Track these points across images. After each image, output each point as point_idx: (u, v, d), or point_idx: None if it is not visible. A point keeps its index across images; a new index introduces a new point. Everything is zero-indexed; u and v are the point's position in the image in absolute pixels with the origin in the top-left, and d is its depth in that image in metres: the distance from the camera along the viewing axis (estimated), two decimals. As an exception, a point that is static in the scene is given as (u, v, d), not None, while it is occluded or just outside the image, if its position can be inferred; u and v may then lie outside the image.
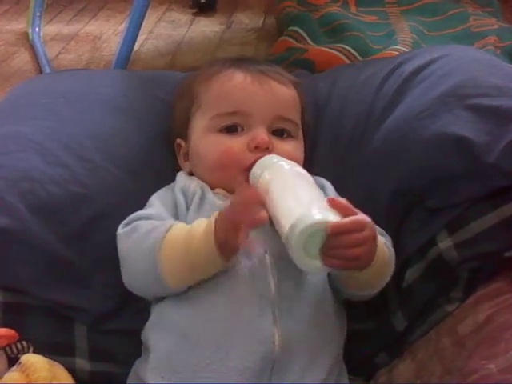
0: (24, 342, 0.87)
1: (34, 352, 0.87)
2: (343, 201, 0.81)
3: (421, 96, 1.02)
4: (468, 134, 0.93)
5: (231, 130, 0.96)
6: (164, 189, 0.98)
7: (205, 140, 0.98)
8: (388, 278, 0.90)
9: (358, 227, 0.80)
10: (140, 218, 0.92)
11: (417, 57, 1.14)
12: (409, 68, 1.10)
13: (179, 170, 1.03)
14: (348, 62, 1.70)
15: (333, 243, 0.78)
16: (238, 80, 0.99)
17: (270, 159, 0.92)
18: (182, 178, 0.99)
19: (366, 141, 1.04)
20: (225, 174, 0.95)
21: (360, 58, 1.71)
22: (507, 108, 0.95)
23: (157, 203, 0.94)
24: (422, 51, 1.21)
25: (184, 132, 1.02)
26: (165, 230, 0.86)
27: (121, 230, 0.92)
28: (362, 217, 0.81)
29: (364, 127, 1.07)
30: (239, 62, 1.04)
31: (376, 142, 1.03)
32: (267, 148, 0.94)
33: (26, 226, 0.94)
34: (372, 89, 1.11)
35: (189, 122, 1.01)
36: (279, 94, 0.99)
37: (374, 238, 0.83)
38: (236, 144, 0.95)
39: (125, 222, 0.93)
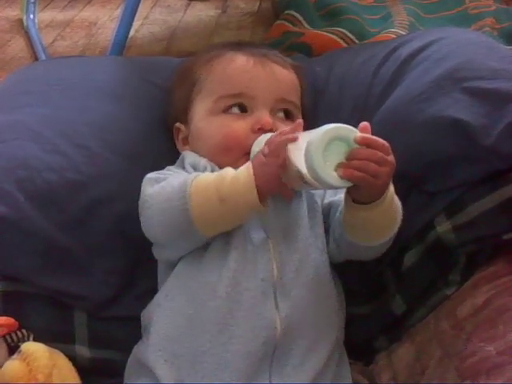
0: (24, 331, 0.88)
1: (34, 340, 0.87)
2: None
3: (417, 79, 1.02)
4: (465, 116, 0.93)
5: (235, 109, 0.96)
6: (174, 166, 0.98)
7: (208, 122, 0.97)
8: (396, 228, 0.89)
9: (385, 148, 0.81)
10: (170, 174, 0.92)
11: (413, 40, 1.13)
12: (406, 51, 1.10)
13: (177, 154, 1.02)
14: (345, 45, 1.69)
15: (357, 154, 0.79)
16: (240, 62, 0.99)
17: (268, 135, 0.91)
18: (189, 154, 0.98)
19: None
20: (228, 156, 0.94)
21: (357, 42, 1.70)
22: (504, 90, 0.95)
23: (174, 169, 0.95)
24: (419, 34, 1.20)
25: (184, 116, 1.02)
26: (195, 174, 0.87)
27: (149, 175, 0.92)
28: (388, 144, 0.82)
29: (362, 111, 1.07)
30: (240, 45, 1.04)
31: (373, 126, 1.02)
32: (271, 130, 0.94)
33: (23, 213, 0.94)
34: (369, 72, 1.11)
35: (189, 106, 1.01)
36: (281, 76, 0.99)
37: (393, 168, 0.82)
38: (240, 126, 0.95)
39: (154, 172, 0.93)
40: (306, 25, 1.85)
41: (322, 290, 0.89)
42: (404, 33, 1.68)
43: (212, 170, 0.93)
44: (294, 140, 0.82)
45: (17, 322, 0.86)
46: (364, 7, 1.98)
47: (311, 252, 0.90)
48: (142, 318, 0.92)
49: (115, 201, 0.98)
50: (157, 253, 0.93)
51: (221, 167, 0.94)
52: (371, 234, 0.89)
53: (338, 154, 0.79)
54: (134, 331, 0.93)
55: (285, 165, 0.82)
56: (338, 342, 0.90)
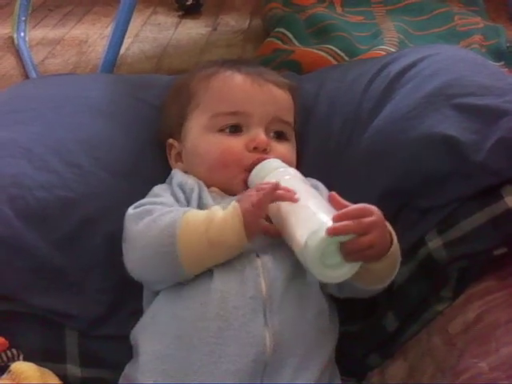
0: (14, 350, 0.87)
1: (24, 359, 0.87)
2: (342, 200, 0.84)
3: (408, 96, 1.03)
4: (455, 133, 0.94)
5: (231, 130, 0.97)
6: (163, 184, 0.98)
7: (205, 139, 0.98)
8: (396, 272, 0.89)
9: (362, 213, 0.81)
10: (152, 203, 0.91)
11: (403, 57, 1.14)
12: (395, 68, 1.10)
13: (169, 171, 1.02)
14: (335, 62, 1.69)
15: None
16: (238, 81, 1.00)
17: (270, 164, 0.92)
18: (178, 174, 0.98)
19: (355, 142, 1.05)
20: (225, 173, 0.95)
21: (347, 59, 1.71)
22: (494, 106, 0.96)
23: (164, 193, 0.94)
24: (409, 51, 1.21)
25: (177, 132, 1.02)
26: (182, 211, 0.86)
27: (131, 211, 0.91)
28: (363, 205, 0.82)
29: (352, 128, 1.08)
30: (237, 63, 1.05)
31: (364, 143, 1.03)
32: (265, 149, 0.95)
33: (14, 231, 0.94)
34: (359, 89, 1.11)
35: (184, 122, 1.01)
36: (277, 96, 1.01)
37: (382, 223, 0.83)
38: (236, 144, 0.96)
39: (136, 204, 0.92)
40: (295, 42, 1.86)
41: (312, 307, 0.89)
42: (394, 50, 1.69)
43: (200, 190, 0.94)
44: (285, 200, 0.84)
45: (7, 342, 0.85)
46: (354, 24, 2.00)
47: (301, 268, 0.90)
48: (131, 338, 0.92)
49: (106, 218, 0.97)
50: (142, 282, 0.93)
51: (214, 185, 0.95)
52: (381, 279, 0.89)
53: (333, 250, 0.80)
54: (125, 350, 0.92)
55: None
56: (330, 359, 0.90)
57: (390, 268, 0.87)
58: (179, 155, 1.02)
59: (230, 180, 0.95)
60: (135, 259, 0.89)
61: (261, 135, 0.96)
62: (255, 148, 0.95)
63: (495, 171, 0.92)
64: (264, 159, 0.94)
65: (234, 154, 0.95)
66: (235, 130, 0.97)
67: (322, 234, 0.78)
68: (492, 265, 0.92)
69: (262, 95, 0.99)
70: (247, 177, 0.94)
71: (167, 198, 0.93)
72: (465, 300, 0.92)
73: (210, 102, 0.99)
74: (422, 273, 0.96)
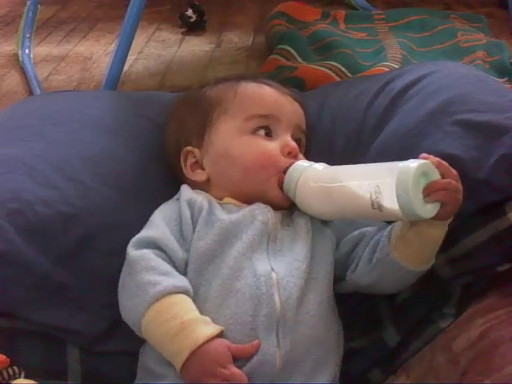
0: (15, 367, 0.86)
1: (25, 377, 0.86)
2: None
3: (410, 113, 1.03)
4: (457, 151, 0.93)
5: (266, 133, 0.98)
6: (169, 202, 0.98)
7: (239, 141, 0.98)
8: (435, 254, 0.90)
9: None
10: (143, 245, 0.90)
11: (406, 74, 1.14)
12: (398, 85, 1.11)
13: (171, 188, 1.02)
14: (338, 79, 1.70)
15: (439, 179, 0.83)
16: (266, 88, 1.03)
17: (301, 165, 0.95)
18: (187, 190, 0.98)
19: (357, 159, 1.04)
20: (261, 174, 0.96)
21: (350, 75, 1.72)
22: (496, 123, 0.96)
23: (160, 223, 0.93)
24: (411, 68, 1.21)
25: (199, 140, 1.01)
26: (155, 295, 0.85)
27: (128, 253, 0.90)
28: None
29: (355, 145, 1.08)
30: (253, 77, 1.08)
31: (367, 161, 1.03)
32: (297, 155, 0.97)
33: (14, 247, 0.93)
34: (362, 106, 1.11)
35: (206, 130, 1.01)
36: (298, 108, 1.04)
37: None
38: (272, 147, 0.97)
39: (130, 243, 0.91)
40: (299, 59, 1.87)
41: (322, 327, 0.89)
42: (397, 66, 1.70)
43: (209, 209, 0.93)
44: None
45: (8, 359, 0.85)
46: (357, 41, 2.01)
47: (314, 288, 0.90)
48: (145, 361, 0.91)
49: (109, 234, 0.97)
50: None
51: (250, 186, 0.96)
52: (425, 257, 0.90)
53: (420, 188, 0.82)
54: (127, 367, 0.93)
55: None
56: (335, 377, 0.90)
57: (439, 239, 0.88)
58: (197, 163, 1.01)
59: (264, 182, 0.95)
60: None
61: (292, 142, 0.98)
62: (289, 153, 0.96)
63: (498, 188, 0.92)
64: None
65: (272, 156, 0.96)
66: (268, 133, 0.98)
67: (418, 162, 0.81)
68: (495, 281, 0.92)
69: (288, 104, 1.02)
70: (282, 178, 0.95)
71: (160, 229, 0.91)
72: (468, 317, 0.92)
73: (242, 105, 1.00)
74: (425, 289, 0.96)
